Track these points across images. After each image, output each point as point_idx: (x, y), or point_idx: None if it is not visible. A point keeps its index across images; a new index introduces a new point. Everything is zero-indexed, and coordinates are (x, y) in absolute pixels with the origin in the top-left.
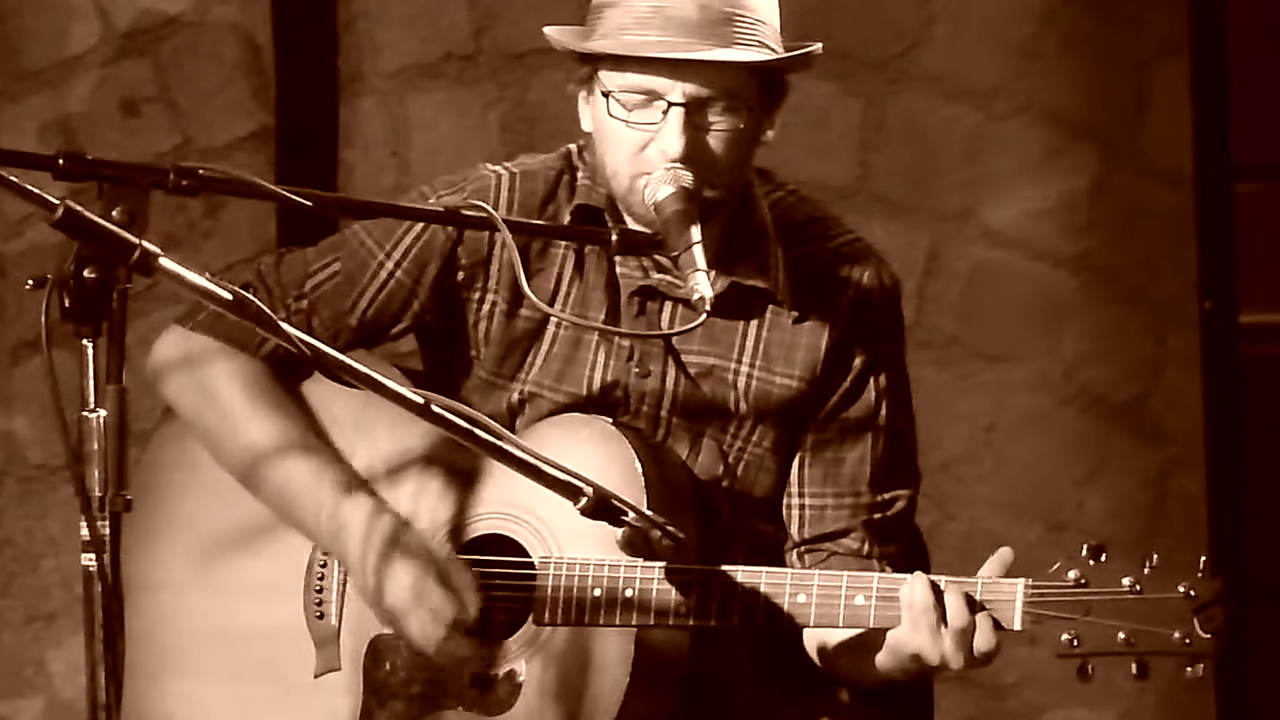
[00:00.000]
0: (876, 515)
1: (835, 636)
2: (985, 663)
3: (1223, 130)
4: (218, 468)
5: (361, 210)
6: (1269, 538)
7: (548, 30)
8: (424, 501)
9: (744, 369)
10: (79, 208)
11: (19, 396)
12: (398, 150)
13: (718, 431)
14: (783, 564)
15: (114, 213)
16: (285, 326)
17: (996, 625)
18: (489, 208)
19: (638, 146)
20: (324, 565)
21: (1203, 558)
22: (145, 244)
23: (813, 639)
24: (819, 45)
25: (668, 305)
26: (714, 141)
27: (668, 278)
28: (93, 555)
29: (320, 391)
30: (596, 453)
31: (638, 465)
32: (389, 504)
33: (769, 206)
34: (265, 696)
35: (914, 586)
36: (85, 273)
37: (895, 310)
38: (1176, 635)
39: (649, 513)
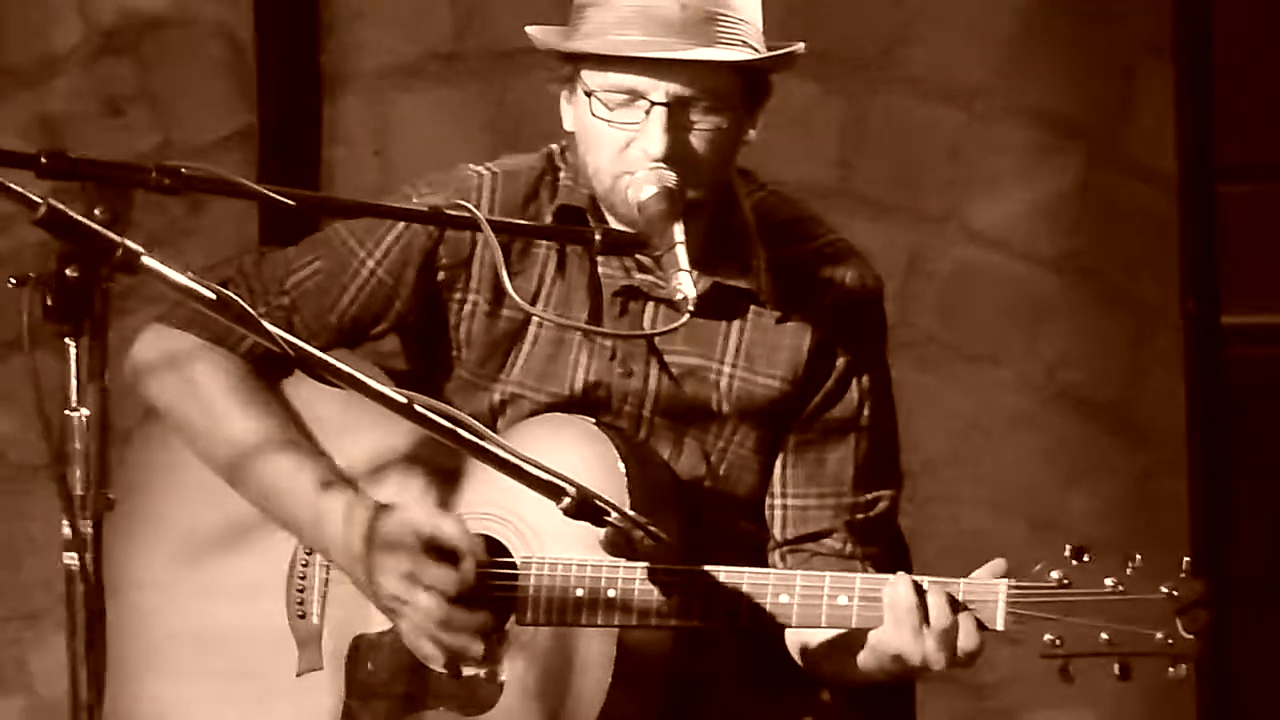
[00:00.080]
0: (859, 516)
1: (817, 637)
2: (968, 663)
3: (1207, 131)
4: (200, 467)
5: (344, 209)
6: (1251, 539)
7: (530, 30)
8: (406, 501)
9: (726, 369)
10: (62, 206)
11: (1, 396)
12: (381, 149)
13: (700, 432)
14: (765, 564)
15: (96, 211)
16: (268, 325)
17: (979, 625)
18: (472, 207)
19: (620, 146)
20: (306, 564)
21: (1185, 559)
22: (128, 243)
23: (795, 639)
24: (801, 45)
25: (650, 305)
26: (697, 141)
27: (650, 278)
28: (75, 554)
29: (302, 391)
30: (579, 453)
31: (620, 465)
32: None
33: (751, 206)
34: (247, 695)
35: (897, 587)
36: (68, 271)
37: (878, 310)
38: (1159, 636)
39: (631, 513)
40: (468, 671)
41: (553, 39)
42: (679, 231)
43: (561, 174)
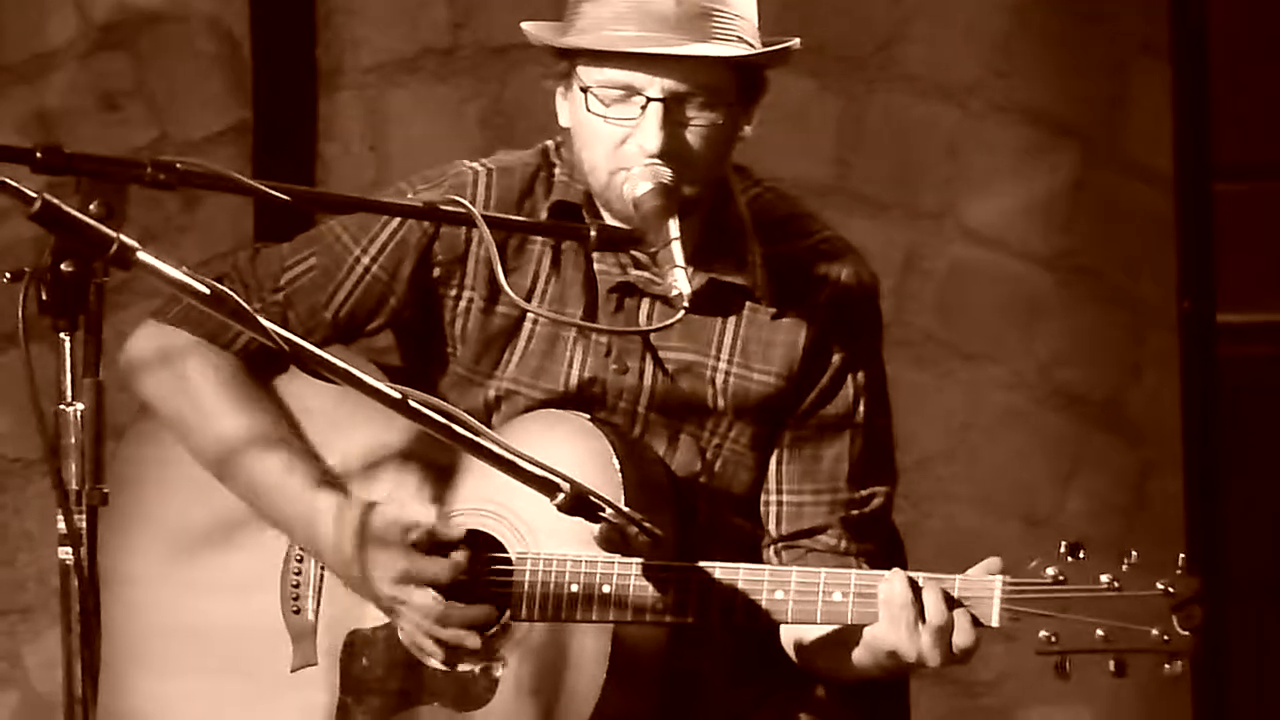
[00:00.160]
0: (854, 512)
1: (812, 633)
2: (963, 660)
3: (1202, 129)
4: (194, 463)
5: (339, 205)
6: (1246, 536)
7: (525, 25)
8: (400, 497)
9: (722, 365)
10: (57, 201)
11: None
12: (376, 145)
13: (695, 428)
14: (760, 561)
15: (91, 206)
16: (263, 321)
17: (975, 622)
18: (467, 203)
19: (616, 142)
20: (300, 560)
21: (1181, 555)
22: (123, 238)
23: (790, 636)
24: (797, 40)
25: (645, 301)
26: (692, 137)
27: (646, 274)
28: (69, 549)
29: (296, 387)
30: (574, 449)
31: (615, 461)
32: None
33: (747, 203)
34: (241, 691)
35: (892, 583)
36: (63, 266)
37: (873, 308)
38: (1154, 633)
39: (626, 509)
40: (464, 667)
41: (548, 35)
42: (674, 227)
43: (557, 170)
